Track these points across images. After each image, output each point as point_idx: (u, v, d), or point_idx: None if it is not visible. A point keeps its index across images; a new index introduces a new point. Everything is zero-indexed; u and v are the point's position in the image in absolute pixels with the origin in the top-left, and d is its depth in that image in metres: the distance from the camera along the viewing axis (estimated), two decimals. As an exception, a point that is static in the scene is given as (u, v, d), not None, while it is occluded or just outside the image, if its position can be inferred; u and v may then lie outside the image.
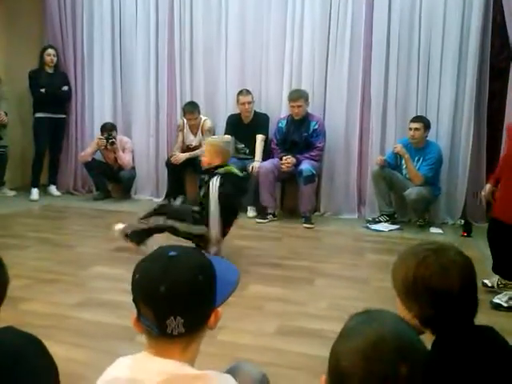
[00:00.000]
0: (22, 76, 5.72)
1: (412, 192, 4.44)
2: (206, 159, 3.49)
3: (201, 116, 5.34)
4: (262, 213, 4.91)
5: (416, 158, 4.60)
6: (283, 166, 4.78)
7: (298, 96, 4.81)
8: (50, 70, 5.68)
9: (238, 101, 5.11)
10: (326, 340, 2.34)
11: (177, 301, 0.97)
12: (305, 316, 2.67)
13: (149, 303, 0.99)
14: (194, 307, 0.99)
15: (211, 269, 1.05)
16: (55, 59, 5.68)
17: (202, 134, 5.36)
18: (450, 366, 1.05)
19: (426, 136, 4.60)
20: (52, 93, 5.62)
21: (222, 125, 5.38)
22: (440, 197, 4.75)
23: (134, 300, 1.03)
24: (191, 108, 5.26)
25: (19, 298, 2.64)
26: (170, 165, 5.34)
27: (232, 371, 1.16)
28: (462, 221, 4.65)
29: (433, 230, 4.55)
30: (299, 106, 4.80)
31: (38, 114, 5.66)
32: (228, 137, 4.09)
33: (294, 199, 5.06)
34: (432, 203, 4.71)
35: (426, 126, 4.57)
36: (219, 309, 1.06)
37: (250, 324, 2.49)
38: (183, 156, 5.28)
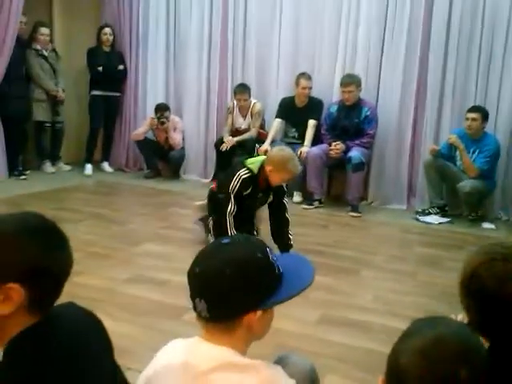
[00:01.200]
0: (79, 53, 5.88)
1: (466, 185, 4.29)
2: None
3: (251, 99, 5.34)
4: (308, 198, 4.89)
5: (472, 150, 4.44)
6: (332, 152, 4.72)
7: (349, 81, 4.72)
8: (106, 49, 5.81)
9: (298, 84, 5.02)
10: (370, 332, 2.37)
11: (202, 285, 1.02)
12: (349, 307, 2.65)
13: (188, 281, 1.05)
14: (217, 297, 1.00)
15: (249, 267, 1.01)
16: (111, 38, 5.80)
17: (252, 117, 5.36)
18: (506, 377, 1.02)
19: (484, 127, 4.42)
20: (108, 71, 5.75)
21: (272, 108, 5.35)
22: (495, 191, 4.58)
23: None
24: (242, 89, 5.27)
25: (72, 270, 2.74)
26: (218, 147, 5.38)
27: (281, 361, 1.17)
28: (517, 217, 4.48)
29: (485, 225, 4.39)
30: (350, 92, 4.71)
31: (94, 92, 5.82)
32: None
33: (342, 186, 5.00)
34: (486, 197, 4.54)
35: (484, 116, 4.39)
36: (268, 313, 1.04)
37: (294, 311, 2.49)
38: (232, 141, 5.29)
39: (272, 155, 3.23)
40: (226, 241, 1.05)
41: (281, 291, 1.04)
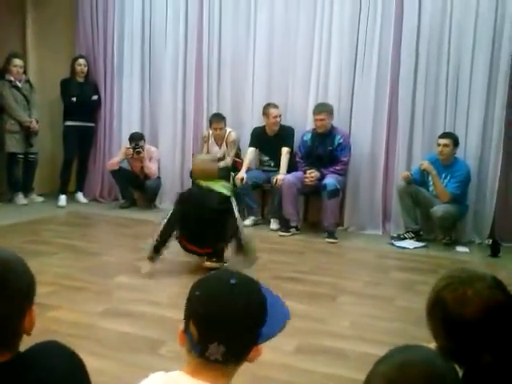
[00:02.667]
0: (53, 84, 5.87)
1: (439, 209, 4.38)
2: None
3: (226, 128, 5.39)
4: (284, 225, 4.91)
5: (443, 175, 4.54)
6: (307, 180, 4.78)
7: (320, 110, 4.81)
8: (80, 80, 5.81)
9: (266, 114, 5.12)
10: (347, 359, 2.37)
11: (224, 330, 1.00)
12: (326, 334, 2.65)
13: (198, 324, 1.01)
14: (238, 338, 1.00)
15: (262, 305, 1.05)
16: (86, 69, 5.81)
17: (227, 146, 5.40)
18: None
19: (455, 153, 4.54)
20: (82, 101, 5.74)
21: (247, 137, 5.41)
22: (467, 215, 4.67)
23: (185, 313, 1.05)
24: (218, 118, 5.32)
25: (46, 304, 2.69)
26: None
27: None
28: (490, 240, 4.55)
29: (459, 248, 4.47)
30: (322, 120, 4.79)
31: (68, 122, 5.79)
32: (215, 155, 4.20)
33: (318, 213, 5.04)
34: (459, 221, 4.63)
35: (455, 142, 4.51)
36: (260, 346, 1.05)
37: (270, 341, 2.48)
38: None
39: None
40: (233, 281, 1.04)
41: (268, 325, 1.05)
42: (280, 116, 5.11)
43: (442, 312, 1.11)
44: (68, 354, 1.05)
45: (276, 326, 1.07)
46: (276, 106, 5.12)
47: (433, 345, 1.20)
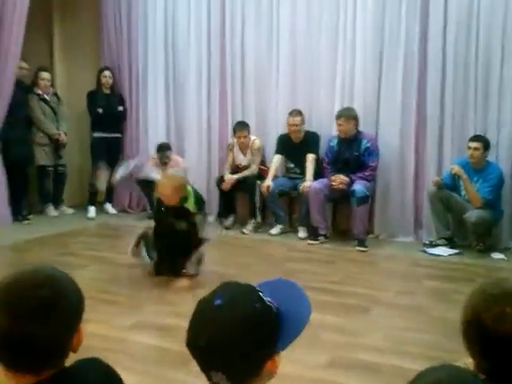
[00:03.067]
0: (80, 97, 5.96)
1: (472, 215, 4.25)
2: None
3: (250, 136, 5.36)
4: (313, 234, 4.84)
5: (475, 179, 4.42)
6: (334, 184, 4.69)
7: (341, 114, 4.74)
8: (106, 91, 5.88)
9: (287, 122, 5.10)
10: (382, 374, 2.30)
11: (213, 357, 0.94)
12: (359, 347, 2.59)
13: (192, 354, 0.97)
14: (237, 363, 0.94)
15: (254, 321, 0.96)
16: (111, 80, 5.88)
17: (252, 154, 5.38)
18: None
19: (486, 156, 4.41)
20: (108, 113, 5.81)
21: (272, 144, 5.38)
22: (502, 220, 4.52)
23: None
24: (241, 126, 5.31)
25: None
26: (219, 185, 5.38)
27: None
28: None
29: (495, 255, 4.32)
30: (340, 125, 4.72)
31: (95, 134, 5.86)
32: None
33: (347, 220, 4.96)
34: (494, 227, 4.49)
35: (486, 145, 4.38)
36: (277, 358, 0.99)
37: (302, 354, 2.43)
38: (232, 179, 5.30)
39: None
40: (218, 302, 0.97)
41: (285, 328, 0.99)
42: (299, 124, 5.04)
43: (478, 330, 1.05)
44: (108, 372, 1.05)
45: (294, 329, 0.99)
46: (298, 114, 5.05)
47: (470, 361, 1.14)
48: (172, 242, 3.52)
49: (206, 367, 0.96)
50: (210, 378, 0.96)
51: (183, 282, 3.50)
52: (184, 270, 3.57)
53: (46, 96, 5.59)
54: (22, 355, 0.93)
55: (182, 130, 5.93)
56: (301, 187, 4.85)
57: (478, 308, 1.07)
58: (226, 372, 0.94)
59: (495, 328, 1.02)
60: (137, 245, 3.73)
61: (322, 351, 2.51)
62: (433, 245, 4.56)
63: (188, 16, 5.73)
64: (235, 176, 5.32)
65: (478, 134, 4.54)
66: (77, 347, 1.00)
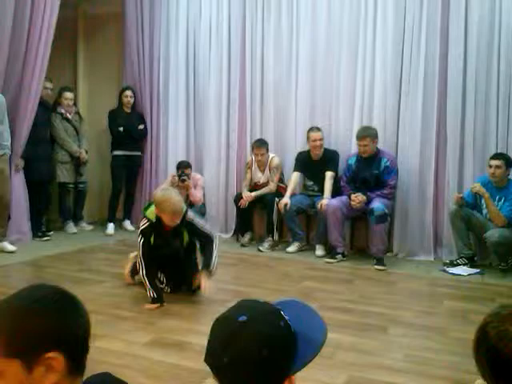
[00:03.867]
0: (101, 115, 6.08)
1: (494, 234, 4.17)
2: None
3: (269, 153, 5.38)
4: (330, 252, 4.80)
5: (497, 198, 4.35)
6: (353, 203, 4.66)
7: (364, 135, 4.70)
8: (127, 110, 5.97)
9: (308, 138, 5.11)
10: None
11: (238, 374, 0.92)
12: (378, 368, 2.53)
13: (213, 371, 0.95)
14: (259, 381, 0.93)
15: (279, 340, 0.95)
16: (132, 100, 5.97)
17: (270, 172, 5.39)
18: None
19: (508, 174, 4.35)
20: (129, 131, 5.89)
21: (290, 162, 5.38)
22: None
23: None
24: (259, 144, 5.34)
25: (93, 334, 2.69)
26: (237, 202, 5.39)
27: None
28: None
29: (517, 275, 4.24)
30: (365, 145, 4.69)
31: (116, 152, 5.94)
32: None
33: (365, 239, 4.91)
34: (516, 246, 4.40)
35: (508, 163, 4.32)
36: (293, 377, 0.97)
37: (319, 374, 2.39)
38: (250, 197, 5.31)
39: (155, 198, 3.34)
40: (243, 318, 0.95)
41: (301, 349, 0.97)
42: (321, 139, 5.05)
43: (486, 349, 1.03)
44: None
45: (310, 351, 0.97)
46: (318, 130, 5.08)
47: (482, 382, 1.12)
48: (175, 264, 3.51)
49: (227, 383, 0.94)
50: None
51: (205, 284, 3.34)
52: (196, 280, 3.48)
53: (68, 115, 5.70)
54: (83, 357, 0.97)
55: (202, 147, 5.98)
56: (318, 205, 4.83)
57: (487, 328, 1.05)
58: None
59: (502, 348, 1.00)
60: (132, 272, 3.75)
61: (339, 371, 2.46)
62: (453, 264, 4.48)
63: (209, 37, 5.83)
64: (253, 194, 5.33)
65: (499, 151, 4.49)
66: None
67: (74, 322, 0.94)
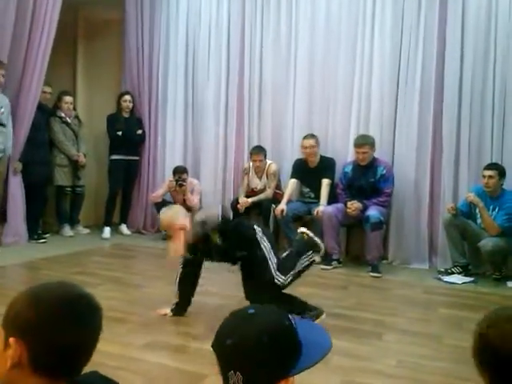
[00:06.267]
0: (99, 119, 6.10)
1: (488, 243, 4.21)
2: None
3: (266, 160, 5.42)
4: (326, 259, 4.82)
5: (491, 207, 4.39)
6: (349, 210, 4.70)
7: (363, 142, 4.75)
8: (126, 115, 6.00)
9: (301, 146, 5.15)
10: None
11: (238, 356, 0.98)
12: (372, 373, 2.55)
13: (216, 353, 1.02)
14: (255, 367, 0.98)
15: (283, 334, 1.02)
16: (131, 105, 6.01)
17: (267, 178, 5.42)
18: None
19: (502, 184, 4.40)
20: (127, 136, 5.92)
21: (287, 169, 5.42)
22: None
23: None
24: (258, 150, 5.38)
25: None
26: (235, 208, 5.41)
27: None
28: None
29: (510, 284, 4.26)
30: (364, 153, 4.74)
31: (114, 156, 5.97)
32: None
33: (360, 246, 4.94)
34: (510, 255, 4.43)
35: (501, 173, 4.37)
36: (291, 379, 1.01)
37: (314, 378, 2.41)
38: (247, 202, 5.34)
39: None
40: (251, 311, 1.05)
41: (305, 355, 1.03)
42: (313, 147, 5.08)
43: (487, 351, 1.04)
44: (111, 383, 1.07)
45: (312, 357, 1.03)
46: (311, 137, 5.10)
47: None
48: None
49: (226, 366, 0.99)
50: (227, 380, 0.99)
51: None
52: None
53: (67, 119, 5.72)
54: (79, 363, 0.98)
55: (199, 153, 6.02)
56: (315, 211, 4.87)
57: (487, 330, 1.06)
58: (245, 373, 0.98)
59: (503, 346, 1.01)
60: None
61: (334, 376, 2.48)
62: (448, 272, 4.52)
63: (208, 43, 5.89)
64: (250, 199, 5.36)
65: (492, 162, 4.53)
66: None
67: (64, 328, 0.95)
